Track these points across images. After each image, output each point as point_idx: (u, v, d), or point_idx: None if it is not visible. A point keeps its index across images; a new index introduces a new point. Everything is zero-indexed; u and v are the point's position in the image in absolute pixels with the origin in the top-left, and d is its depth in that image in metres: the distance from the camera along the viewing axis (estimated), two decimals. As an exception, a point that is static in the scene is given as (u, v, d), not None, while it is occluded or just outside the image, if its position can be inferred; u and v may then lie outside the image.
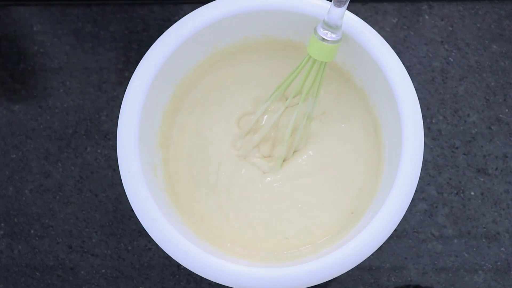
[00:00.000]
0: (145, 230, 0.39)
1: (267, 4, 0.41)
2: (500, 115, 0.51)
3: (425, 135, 0.50)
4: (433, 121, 0.51)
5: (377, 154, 0.44)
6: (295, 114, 0.43)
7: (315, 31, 0.39)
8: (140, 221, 0.39)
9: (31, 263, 0.50)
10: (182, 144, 0.45)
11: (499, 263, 0.49)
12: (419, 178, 0.40)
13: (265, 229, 0.44)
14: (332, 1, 0.37)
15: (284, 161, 0.45)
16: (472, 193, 0.50)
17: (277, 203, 0.44)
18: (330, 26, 0.38)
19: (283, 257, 0.43)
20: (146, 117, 0.41)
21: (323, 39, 0.39)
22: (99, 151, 0.51)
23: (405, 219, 0.49)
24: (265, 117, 0.45)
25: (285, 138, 0.44)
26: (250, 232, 0.44)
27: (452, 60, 0.52)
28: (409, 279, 0.49)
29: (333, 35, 0.39)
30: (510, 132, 0.51)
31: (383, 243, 0.39)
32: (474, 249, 0.49)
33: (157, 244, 0.39)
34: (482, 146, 0.50)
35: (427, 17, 0.52)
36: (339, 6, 0.37)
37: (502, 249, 0.49)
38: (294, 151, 0.45)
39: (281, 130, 0.45)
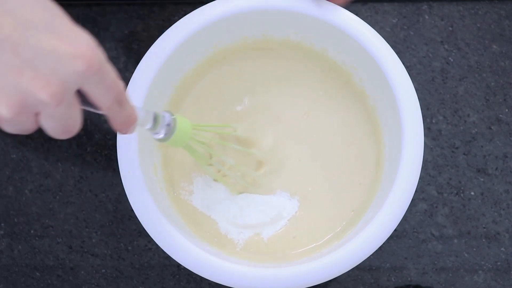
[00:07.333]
0: (145, 230, 0.39)
1: (267, 4, 0.41)
2: (500, 115, 0.51)
3: (425, 135, 0.49)
4: (433, 121, 0.51)
5: (377, 154, 0.44)
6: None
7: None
8: (140, 221, 0.39)
9: (31, 263, 0.50)
10: (182, 144, 0.45)
11: (499, 263, 0.49)
12: (419, 178, 0.40)
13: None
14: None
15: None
16: (472, 193, 0.50)
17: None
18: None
19: (283, 257, 0.43)
20: (146, 117, 0.41)
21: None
22: (99, 151, 0.51)
23: (405, 219, 0.49)
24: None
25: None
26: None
27: (452, 60, 0.52)
28: (409, 279, 0.49)
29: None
30: (510, 132, 0.51)
31: (383, 243, 0.39)
32: (474, 249, 0.49)
33: (157, 244, 0.39)
34: (482, 146, 0.50)
35: (427, 17, 0.52)
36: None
37: (502, 249, 0.49)
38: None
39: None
